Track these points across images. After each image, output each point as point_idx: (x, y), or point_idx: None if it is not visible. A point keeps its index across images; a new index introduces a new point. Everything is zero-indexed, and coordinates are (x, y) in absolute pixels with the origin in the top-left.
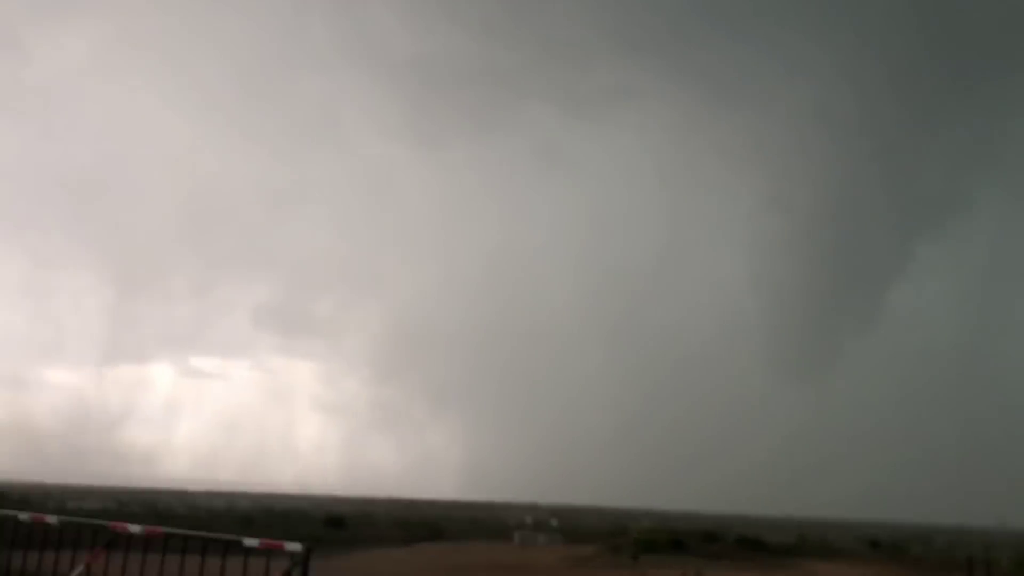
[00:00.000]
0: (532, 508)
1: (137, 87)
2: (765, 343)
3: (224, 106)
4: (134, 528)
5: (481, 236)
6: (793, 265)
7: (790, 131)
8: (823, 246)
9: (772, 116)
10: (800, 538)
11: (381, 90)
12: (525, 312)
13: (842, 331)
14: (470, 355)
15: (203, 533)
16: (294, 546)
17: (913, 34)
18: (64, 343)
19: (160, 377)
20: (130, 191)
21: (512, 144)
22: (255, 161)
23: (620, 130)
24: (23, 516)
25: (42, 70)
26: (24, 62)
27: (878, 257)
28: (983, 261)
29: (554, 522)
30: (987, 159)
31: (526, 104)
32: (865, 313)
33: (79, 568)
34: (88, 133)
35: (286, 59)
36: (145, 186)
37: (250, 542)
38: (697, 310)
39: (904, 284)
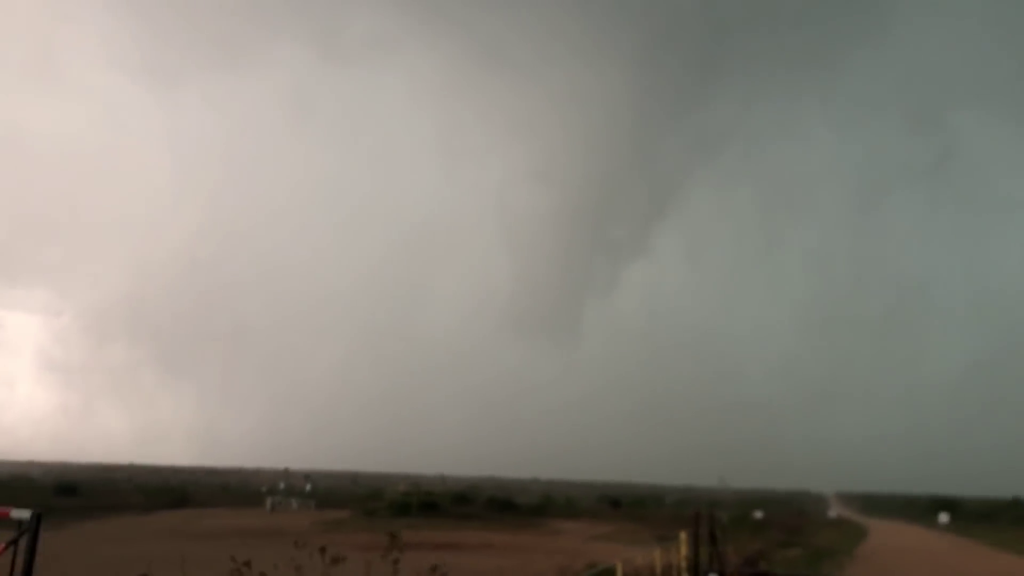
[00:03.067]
0: (286, 474)
1: None
2: (517, 311)
3: None
4: None
5: (225, 186)
6: (546, 236)
7: (551, 108)
8: (577, 219)
9: (535, 91)
10: (546, 498)
11: (108, 18)
12: (279, 274)
13: (586, 301)
14: (213, 316)
15: None
16: (21, 513)
17: (668, 31)
18: None
19: None
20: None
21: (261, 86)
22: None
23: (380, 85)
24: None
25: None
26: None
27: (622, 233)
28: (698, 242)
29: (308, 487)
30: (707, 146)
31: (278, 43)
32: (606, 285)
33: None
34: None
35: None
36: None
37: None
38: (457, 277)
39: (641, 260)
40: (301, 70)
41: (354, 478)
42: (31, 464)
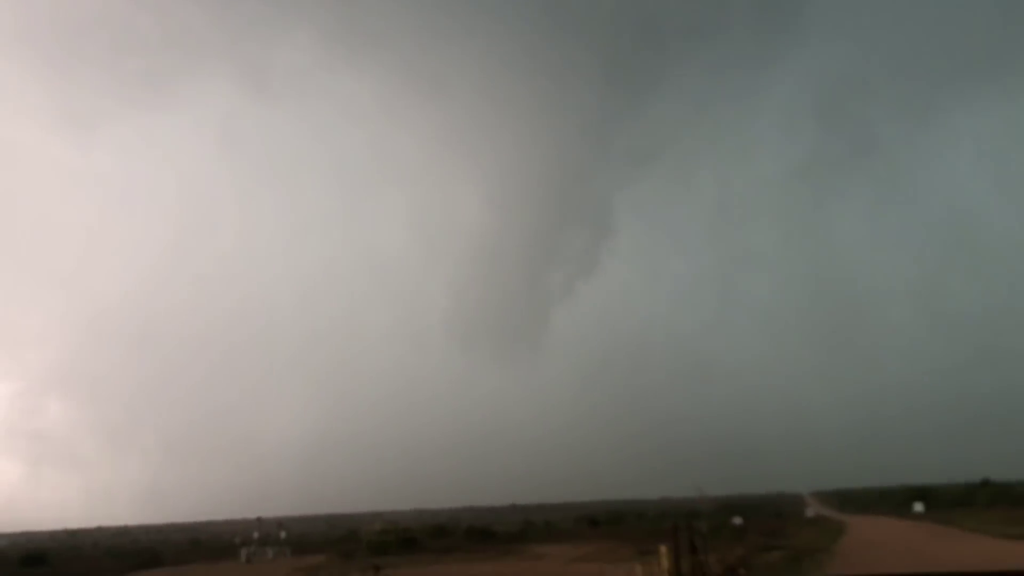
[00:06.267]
0: (259, 523)
1: None
2: (475, 335)
3: None
4: None
5: (158, 232)
6: (504, 258)
7: (497, 134)
8: (530, 239)
9: (479, 117)
10: (526, 524)
11: (14, 67)
12: (223, 321)
13: (547, 320)
14: (155, 368)
15: None
16: None
17: (608, 54)
18: None
19: None
20: None
21: (185, 123)
22: None
23: (314, 113)
24: None
25: None
26: None
27: (575, 250)
28: (652, 252)
29: (282, 534)
30: (650, 158)
31: (201, 78)
32: (565, 303)
33: None
34: None
35: None
36: None
37: None
38: (411, 306)
39: (597, 275)
40: (227, 104)
41: (329, 521)
42: None
